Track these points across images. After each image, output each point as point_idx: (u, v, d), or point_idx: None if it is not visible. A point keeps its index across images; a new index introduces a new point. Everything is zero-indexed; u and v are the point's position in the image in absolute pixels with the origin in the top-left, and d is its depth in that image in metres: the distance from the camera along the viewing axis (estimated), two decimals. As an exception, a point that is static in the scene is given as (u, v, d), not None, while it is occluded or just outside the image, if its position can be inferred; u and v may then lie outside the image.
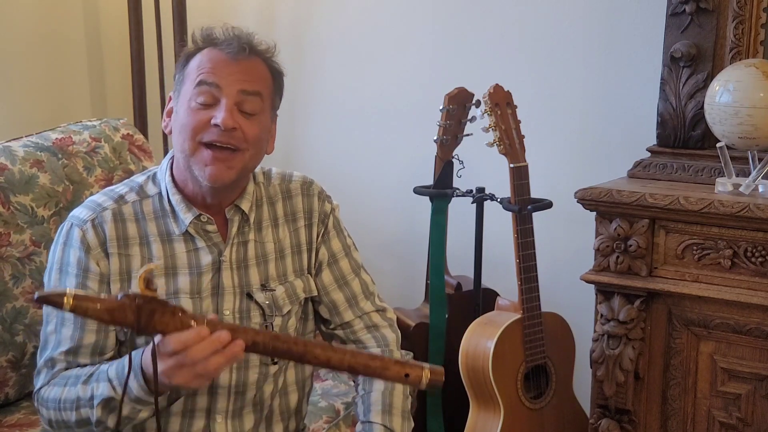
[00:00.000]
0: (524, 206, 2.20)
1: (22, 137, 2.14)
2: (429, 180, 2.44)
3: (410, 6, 2.74)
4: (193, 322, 1.37)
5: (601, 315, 2.03)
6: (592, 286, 2.04)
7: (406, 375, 1.42)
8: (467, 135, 2.39)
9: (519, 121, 2.20)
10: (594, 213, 2.03)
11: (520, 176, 2.20)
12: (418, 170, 2.54)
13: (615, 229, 1.98)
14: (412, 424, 1.72)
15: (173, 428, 1.62)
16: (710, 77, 2.08)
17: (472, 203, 2.45)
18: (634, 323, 1.99)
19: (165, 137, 2.83)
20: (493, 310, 2.32)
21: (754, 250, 1.88)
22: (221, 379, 1.61)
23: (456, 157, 2.40)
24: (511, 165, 2.19)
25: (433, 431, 2.42)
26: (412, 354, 1.80)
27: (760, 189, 1.93)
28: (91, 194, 2.07)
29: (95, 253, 1.58)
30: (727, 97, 1.94)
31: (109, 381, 1.48)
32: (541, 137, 2.39)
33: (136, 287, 1.36)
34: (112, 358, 1.59)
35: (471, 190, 2.42)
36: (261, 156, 1.64)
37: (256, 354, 1.53)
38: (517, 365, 2.21)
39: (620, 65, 2.48)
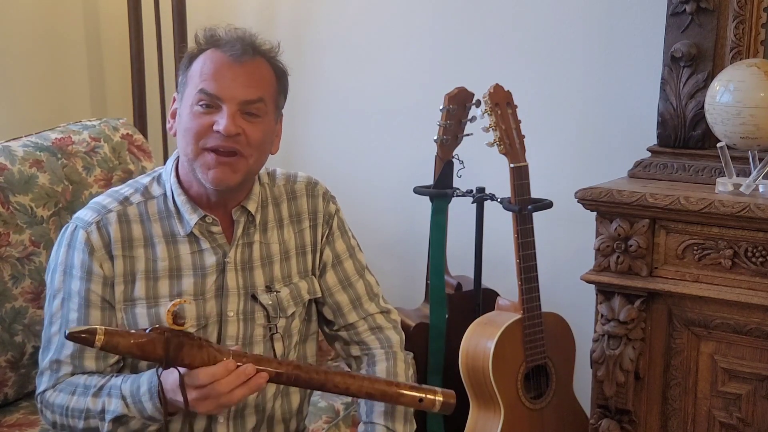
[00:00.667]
0: (524, 206, 2.20)
1: (21, 137, 2.14)
2: (429, 180, 2.44)
3: (410, 6, 2.74)
4: (219, 355, 1.43)
5: (602, 315, 2.03)
6: (593, 286, 2.04)
7: (420, 400, 1.54)
8: (467, 135, 2.38)
9: (519, 121, 2.20)
10: (594, 213, 2.03)
11: (520, 176, 2.19)
12: (418, 170, 2.54)
13: (615, 229, 1.98)
14: (414, 426, 1.72)
15: (175, 429, 1.62)
16: (711, 77, 2.07)
17: (472, 203, 2.44)
18: (635, 323, 1.99)
19: (165, 137, 2.83)
20: (493, 310, 2.32)
21: (755, 250, 1.88)
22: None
23: (456, 157, 2.40)
24: (512, 165, 2.19)
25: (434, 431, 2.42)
26: (412, 354, 1.80)
27: (761, 189, 1.93)
28: (91, 194, 2.08)
29: (99, 255, 1.58)
30: (728, 97, 1.94)
31: (123, 398, 1.50)
32: (541, 137, 2.39)
33: (163, 317, 1.45)
34: (116, 363, 1.60)
35: (471, 190, 2.42)
36: (265, 158, 1.63)
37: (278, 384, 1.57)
38: (517, 365, 2.21)
39: (620, 65, 2.48)
